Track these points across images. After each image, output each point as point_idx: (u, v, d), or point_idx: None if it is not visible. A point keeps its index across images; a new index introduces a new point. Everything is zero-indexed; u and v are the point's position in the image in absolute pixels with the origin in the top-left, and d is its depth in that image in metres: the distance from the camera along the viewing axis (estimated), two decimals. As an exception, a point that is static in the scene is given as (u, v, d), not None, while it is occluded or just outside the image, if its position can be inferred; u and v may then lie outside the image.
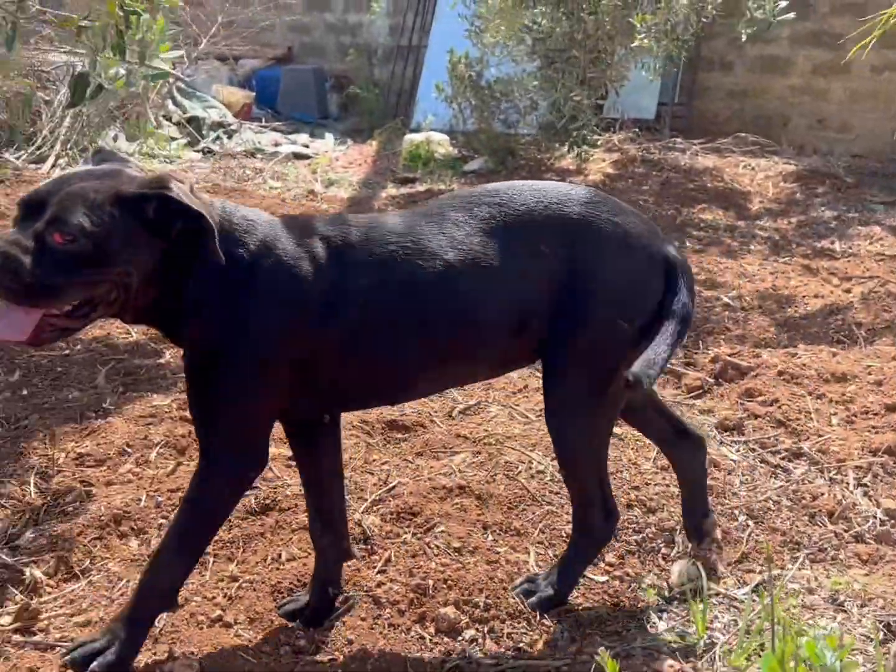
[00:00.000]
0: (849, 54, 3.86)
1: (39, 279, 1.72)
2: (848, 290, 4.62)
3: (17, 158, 7.06)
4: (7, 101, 7.45)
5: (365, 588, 2.16)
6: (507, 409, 3.28)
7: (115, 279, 1.79)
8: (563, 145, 7.39)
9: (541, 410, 3.26)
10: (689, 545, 2.38)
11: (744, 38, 6.13)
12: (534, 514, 2.48)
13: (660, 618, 2.14)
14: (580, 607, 2.16)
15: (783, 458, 2.90)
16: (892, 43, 5.20)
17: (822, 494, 2.65)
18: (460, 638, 2.03)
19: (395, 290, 1.90)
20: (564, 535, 2.41)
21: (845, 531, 2.50)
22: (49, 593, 2.22)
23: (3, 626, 2.08)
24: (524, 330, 1.97)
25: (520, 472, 2.69)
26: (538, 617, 2.08)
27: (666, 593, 2.23)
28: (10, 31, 2.82)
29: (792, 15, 6.22)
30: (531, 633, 2.06)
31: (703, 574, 2.20)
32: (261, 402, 1.89)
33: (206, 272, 1.83)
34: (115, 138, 7.91)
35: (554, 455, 2.80)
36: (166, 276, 1.83)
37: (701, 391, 3.51)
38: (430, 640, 2.02)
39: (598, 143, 7.88)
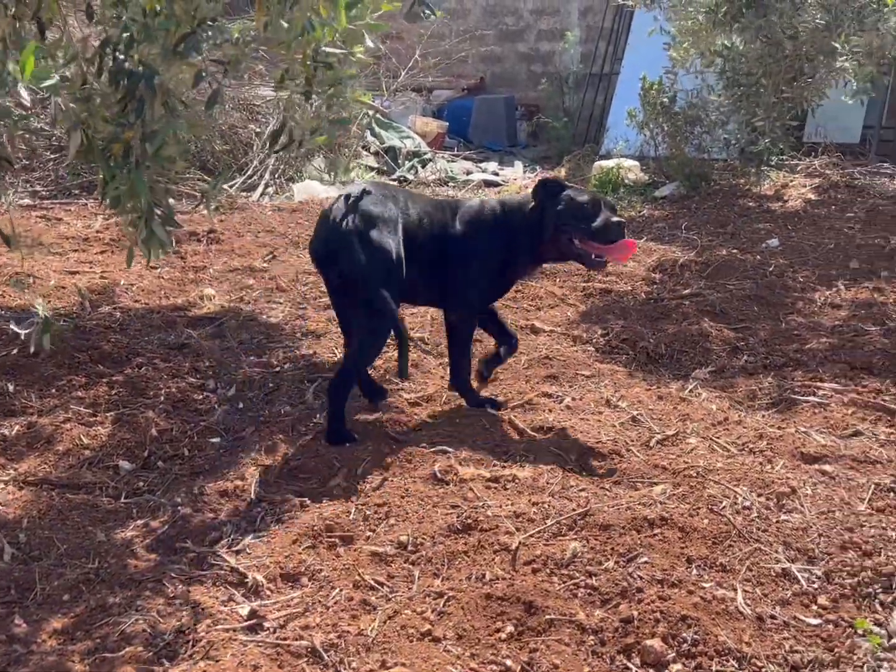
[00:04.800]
0: None
1: None
2: None
3: (231, 187, 7.57)
4: (222, 134, 8.02)
5: (569, 613, 2.17)
6: (707, 441, 3.22)
7: None
8: (755, 170, 7.19)
9: (743, 444, 3.19)
10: None
11: None
12: (741, 550, 2.42)
13: (880, 666, 2.04)
14: (791, 648, 2.09)
15: None
16: None
17: None
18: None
19: None
20: (774, 574, 2.33)
21: None
22: (269, 597, 2.36)
23: (231, 627, 2.23)
24: None
25: (724, 506, 2.63)
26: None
27: (885, 641, 2.12)
28: (213, 92, 3.01)
29: None
30: (740, 672, 2.01)
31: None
32: None
33: None
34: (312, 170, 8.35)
35: (759, 492, 2.74)
36: None
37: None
38: (636, 671, 2.01)
39: (799, 168, 7.61)
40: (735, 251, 5.86)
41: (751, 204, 7.05)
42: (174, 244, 6.08)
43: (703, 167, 7.50)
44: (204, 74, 2.81)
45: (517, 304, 4.99)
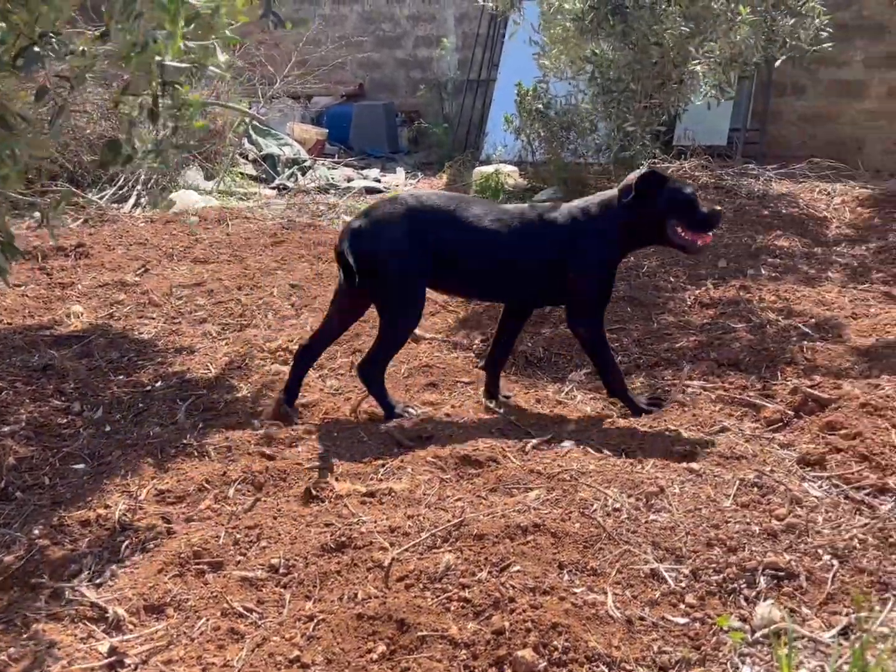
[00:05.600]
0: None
1: None
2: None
3: (101, 198, 7.31)
4: (91, 143, 7.74)
5: (441, 629, 2.15)
6: (581, 443, 3.25)
7: None
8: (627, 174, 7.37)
9: (616, 445, 3.23)
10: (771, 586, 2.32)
11: (777, 63, 6.19)
12: (611, 553, 2.44)
13: (743, 662, 2.08)
14: (660, 650, 2.12)
15: (868, 494, 2.81)
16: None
17: (911, 533, 2.55)
18: (538, 681, 2.01)
19: None
20: (643, 575, 2.37)
21: (937, 572, 2.40)
22: (131, 631, 2.26)
23: (90, 666, 2.12)
24: None
25: (595, 509, 2.65)
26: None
27: (749, 636, 2.17)
28: (58, 108, 2.87)
29: (829, 46, 6.16)
30: (610, 676, 2.02)
31: (788, 617, 2.15)
32: None
33: None
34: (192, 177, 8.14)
35: (630, 493, 2.78)
36: None
37: (780, 424, 3.44)
38: (508, 682, 2.00)
39: (670, 170, 7.82)
40: (610, 253, 5.98)
41: (625, 206, 7.20)
42: (40, 260, 5.84)
43: (580, 171, 7.64)
44: (48, 89, 2.68)
45: (397, 313, 4.95)
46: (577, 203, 3.71)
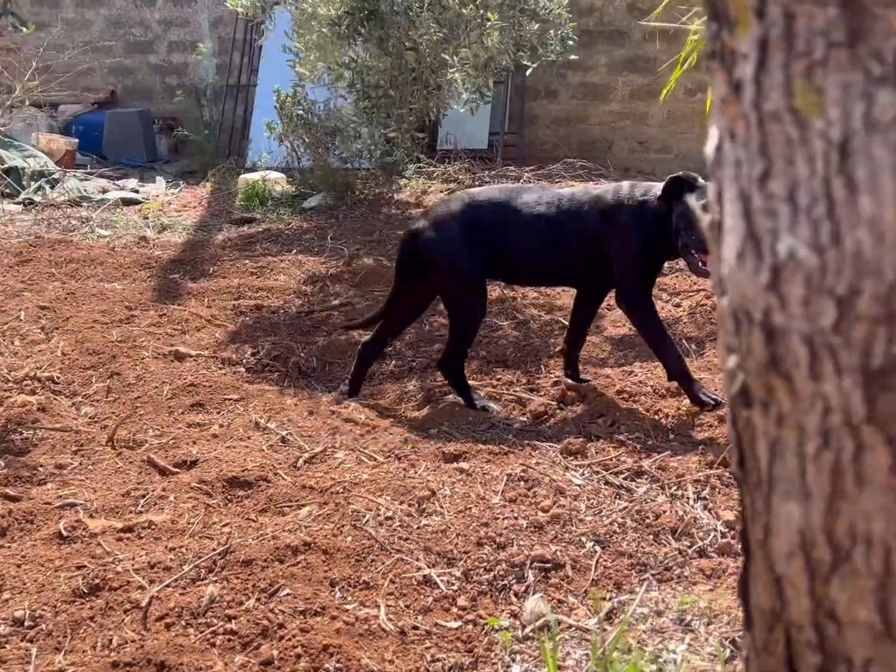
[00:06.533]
0: (668, 79, 4.03)
1: None
2: (678, 305, 4.80)
3: None
4: None
5: (205, 666, 2.02)
6: (355, 452, 3.20)
7: None
8: (391, 178, 7.44)
9: (390, 451, 3.21)
10: (537, 578, 2.37)
11: (528, 72, 6.54)
12: (383, 564, 2.40)
13: (513, 660, 2.10)
14: (433, 658, 2.10)
15: (626, 479, 2.94)
16: (702, 66, 5.52)
17: (665, 512, 2.69)
18: (310, 709, 1.93)
19: None
20: (416, 583, 2.34)
21: (688, 547, 2.54)
22: None
23: None
24: None
25: (367, 520, 2.60)
26: None
27: (520, 633, 2.20)
28: None
29: (574, 56, 6.56)
30: (385, 692, 1.98)
31: (553, 609, 2.19)
32: None
33: None
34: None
35: (402, 499, 2.75)
36: None
37: (546, 416, 3.55)
38: (278, 714, 1.91)
39: (435, 174, 7.97)
40: (381, 258, 5.98)
41: (394, 211, 7.25)
42: None
43: (347, 177, 7.60)
44: None
45: (160, 329, 4.71)
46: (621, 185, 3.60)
